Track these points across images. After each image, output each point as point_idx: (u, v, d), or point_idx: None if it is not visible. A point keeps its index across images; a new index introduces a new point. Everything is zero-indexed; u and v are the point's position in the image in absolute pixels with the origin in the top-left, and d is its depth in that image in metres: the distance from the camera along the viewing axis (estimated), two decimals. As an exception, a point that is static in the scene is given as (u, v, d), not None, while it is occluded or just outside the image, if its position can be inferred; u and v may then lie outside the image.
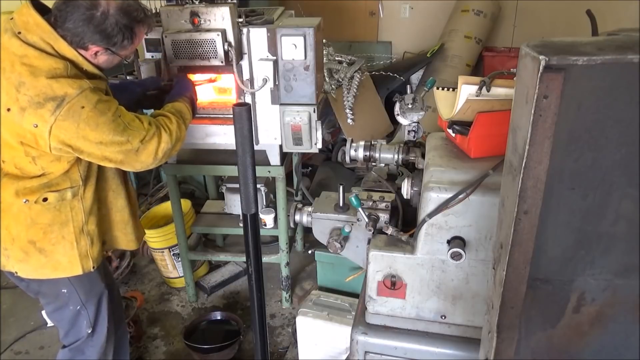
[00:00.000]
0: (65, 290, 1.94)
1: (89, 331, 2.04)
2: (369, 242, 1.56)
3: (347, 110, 3.88)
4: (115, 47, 1.71)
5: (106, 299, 2.06)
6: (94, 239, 1.92)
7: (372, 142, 1.71)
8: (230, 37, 2.30)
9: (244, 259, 3.10)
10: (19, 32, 1.61)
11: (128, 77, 2.59)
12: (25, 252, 1.83)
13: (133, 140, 1.73)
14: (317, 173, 4.27)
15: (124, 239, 2.10)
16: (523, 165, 0.88)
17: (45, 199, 1.78)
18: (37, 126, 1.60)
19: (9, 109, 1.60)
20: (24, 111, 1.59)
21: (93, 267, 1.92)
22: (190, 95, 2.14)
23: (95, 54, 1.70)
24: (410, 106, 1.63)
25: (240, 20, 2.38)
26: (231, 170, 2.79)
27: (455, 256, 1.35)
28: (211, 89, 2.64)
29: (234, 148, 1.61)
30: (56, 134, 1.62)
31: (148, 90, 2.23)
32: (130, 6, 1.69)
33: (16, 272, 1.88)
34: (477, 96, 1.33)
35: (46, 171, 1.75)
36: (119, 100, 1.77)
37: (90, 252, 1.91)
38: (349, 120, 3.91)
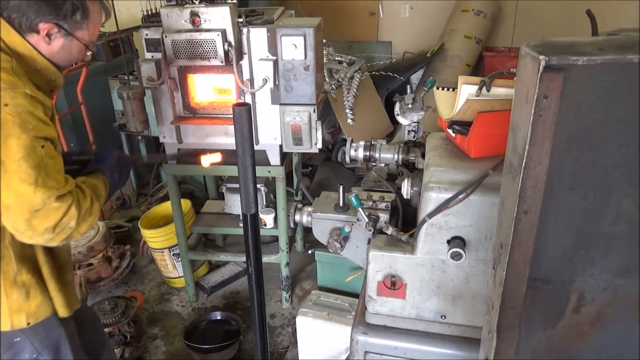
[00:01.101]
0: (18, 339, 1.68)
1: None
2: (369, 242, 1.56)
3: (347, 110, 3.88)
4: (67, 23, 1.50)
5: (68, 343, 1.77)
6: (31, 289, 1.60)
7: (372, 142, 1.71)
8: (230, 37, 2.30)
9: (244, 259, 3.10)
10: None
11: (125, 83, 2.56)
12: None
13: (42, 189, 1.35)
14: (317, 173, 4.27)
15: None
16: (523, 165, 0.88)
17: None
18: None
19: None
20: None
21: (28, 324, 1.62)
22: (112, 176, 1.72)
23: (49, 36, 1.49)
24: (410, 106, 1.62)
25: (240, 20, 2.38)
26: (231, 170, 2.79)
27: (455, 256, 1.35)
28: (211, 89, 2.64)
29: (234, 148, 1.61)
30: None
31: (66, 164, 1.68)
32: None
33: None
34: (477, 96, 1.33)
35: None
36: None
37: (25, 305, 1.60)
38: (349, 120, 3.91)
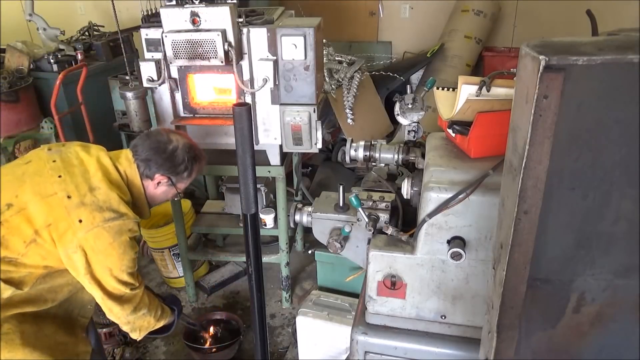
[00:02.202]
0: None
1: None
2: (369, 242, 1.56)
3: (347, 110, 3.88)
4: (176, 178, 1.92)
5: None
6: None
7: (372, 142, 1.71)
8: (230, 37, 2.30)
9: (244, 259, 3.10)
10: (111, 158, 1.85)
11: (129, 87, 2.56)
12: None
13: (133, 288, 1.79)
14: (317, 173, 4.27)
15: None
16: (523, 165, 0.88)
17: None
18: (81, 221, 1.65)
19: (69, 197, 1.67)
20: (83, 206, 1.66)
21: None
22: (177, 320, 2.11)
23: (158, 183, 1.91)
24: (410, 106, 1.62)
25: (240, 20, 2.38)
26: (231, 170, 2.79)
27: (455, 256, 1.35)
28: (211, 89, 2.64)
29: (234, 148, 1.62)
30: (88, 238, 1.65)
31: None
32: (194, 145, 1.98)
33: None
34: (477, 96, 1.33)
35: (19, 261, 1.67)
36: None
37: None
38: (349, 120, 3.91)
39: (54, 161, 1.76)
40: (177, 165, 1.90)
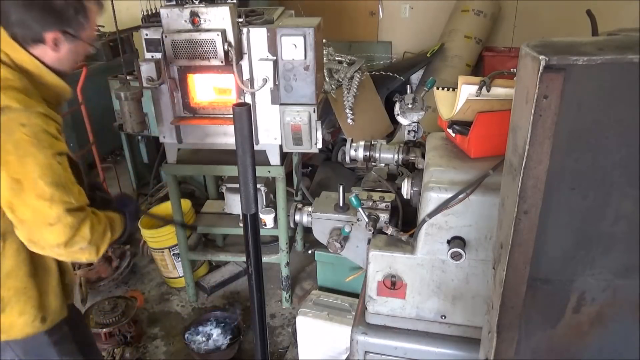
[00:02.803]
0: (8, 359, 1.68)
1: None
2: (369, 242, 1.56)
3: (347, 110, 3.88)
4: (71, 28, 1.51)
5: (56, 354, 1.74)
6: (8, 306, 1.58)
7: (372, 142, 1.71)
8: (230, 37, 2.30)
9: (244, 259, 3.10)
10: None
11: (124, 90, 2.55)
12: None
13: (57, 205, 1.40)
14: (317, 173, 4.27)
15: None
16: (523, 165, 0.88)
17: None
18: None
19: None
20: None
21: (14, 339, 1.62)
22: (131, 222, 1.75)
23: (56, 43, 1.50)
24: (410, 106, 1.62)
25: (240, 20, 2.38)
26: (231, 170, 2.79)
27: (455, 256, 1.35)
28: (211, 89, 2.64)
29: (234, 148, 1.61)
30: None
31: (94, 188, 1.82)
32: None
33: None
34: (477, 96, 1.33)
35: None
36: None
37: (8, 320, 1.59)
38: (349, 120, 3.91)
39: None
40: (60, 11, 1.49)
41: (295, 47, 2.25)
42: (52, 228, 1.41)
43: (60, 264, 1.70)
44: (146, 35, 2.42)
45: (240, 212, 2.91)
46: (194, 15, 2.28)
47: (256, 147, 2.23)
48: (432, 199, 1.35)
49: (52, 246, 1.45)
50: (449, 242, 1.38)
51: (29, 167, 1.38)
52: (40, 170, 1.38)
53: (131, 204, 1.80)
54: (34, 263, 1.61)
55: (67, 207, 1.42)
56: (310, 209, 1.70)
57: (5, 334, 1.61)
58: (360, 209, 1.51)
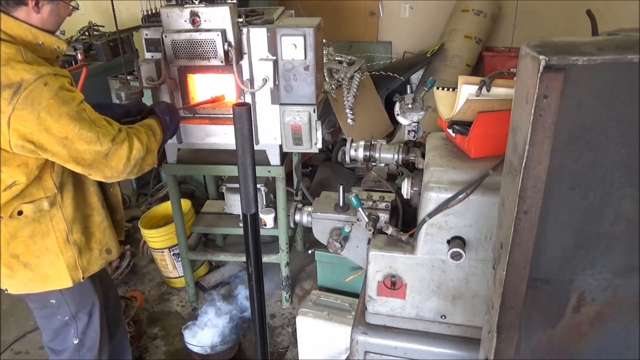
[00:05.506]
0: (54, 301, 1.86)
1: (76, 342, 1.97)
2: (369, 242, 1.56)
3: (347, 110, 3.88)
4: None
5: (98, 310, 1.98)
6: (82, 248, 1.83)
7: (372, 142, 1.71)
8: (230, 37, 2.30)
9: (244, 259, 3.10)
10: None
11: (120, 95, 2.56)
12: (9, 267, 1.76)
13: (102, 139, 1.61)
14: (317, 173, 4.27)
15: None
16: (523, 165, 0.88)
17: (20, 212, 1.68)
18: None
19: None
20: None
21: (83, 278, 1.85)
22: (163, 117, 2.00)
23: (37, 4, 1.56)
24: (410, 106, 1.62)
25: (240, 20, 2.38)
26: (231, 170, 2.79)
27: (455, 256, 1.35)
28: (211, 89, 2.63)
29: (234, 148, 1.61)
30: (16, 127, 1.49)
31: (130, 115, 2.04)
32: None
33: (6, 290, 1.82)
34: (477, 96, 1.33)
35: (16, 180, 1.62)
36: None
37: (79, 262, 1.82)
38: (349, 120, 3.91)
39: None
40: None
41: (295, 47, 2.25)
42: (112, 157, 1.64)
43: (110, 204, 1.97)
44: (146, 35, 2.42)
45: (240, 212, 2.91)
46: (194, 15, 2.28)
47: (256, 147, 2.23)
48: (432, 199, 1.35)
49: (120, 171, 1.69)
50: (449, 242, 1.38)
51: (67, 125, 1.54)
52: (76, 122, 1.55)
53: (161, 104, 2.06)
54: (89, 206, 1.87)
55: (111, 136, 1.63)
56: (310, 209, 1.70)
57: (87, 271, 1.86)
58: (360, 209, 1.51)
